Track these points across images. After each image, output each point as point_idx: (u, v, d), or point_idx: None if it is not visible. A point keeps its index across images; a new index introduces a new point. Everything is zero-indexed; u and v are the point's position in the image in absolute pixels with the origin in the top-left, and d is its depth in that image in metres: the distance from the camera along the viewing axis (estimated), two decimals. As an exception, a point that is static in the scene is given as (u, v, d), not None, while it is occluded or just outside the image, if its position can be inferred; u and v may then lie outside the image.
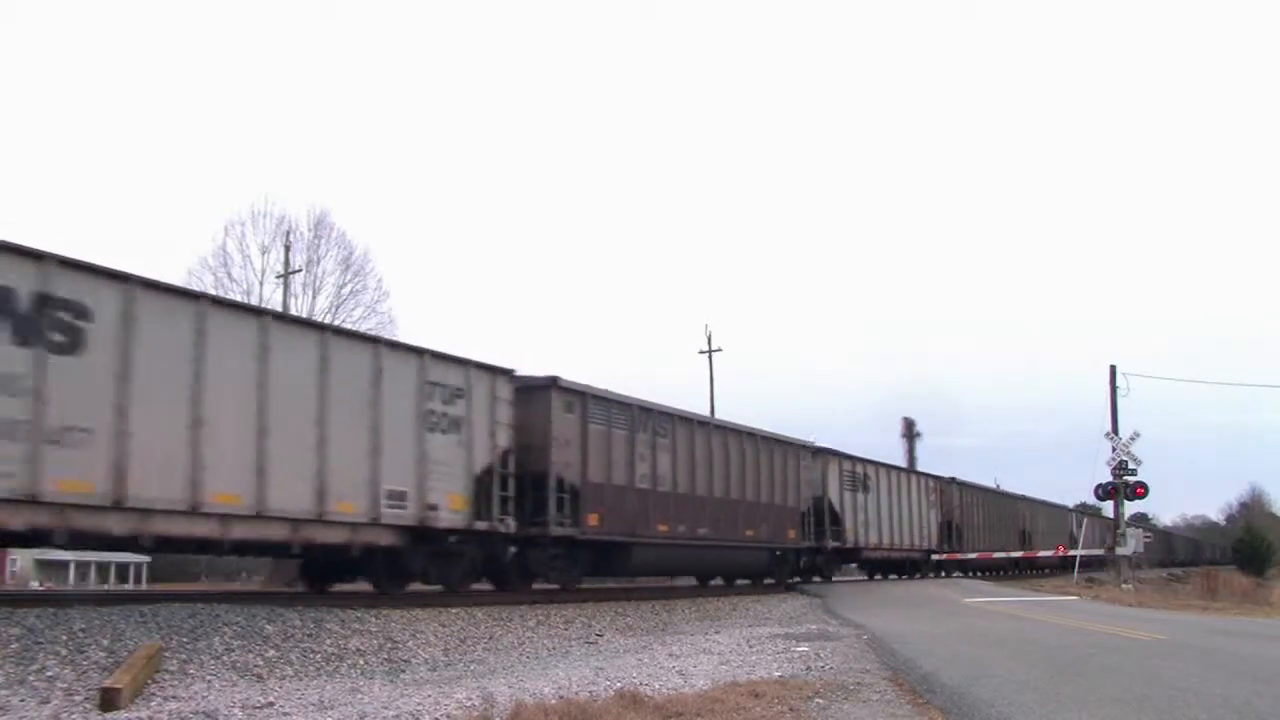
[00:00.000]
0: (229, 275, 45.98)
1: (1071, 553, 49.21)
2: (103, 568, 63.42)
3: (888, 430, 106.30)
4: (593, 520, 23.86)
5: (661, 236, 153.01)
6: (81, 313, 14.27)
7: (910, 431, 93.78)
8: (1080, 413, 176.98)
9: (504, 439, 21.63)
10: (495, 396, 21.53)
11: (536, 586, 23.84)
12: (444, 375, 20.26)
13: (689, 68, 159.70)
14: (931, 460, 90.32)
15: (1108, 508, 48.92)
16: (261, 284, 46.35)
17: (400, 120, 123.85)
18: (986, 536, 52.07)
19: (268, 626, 14.48)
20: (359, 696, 11.34)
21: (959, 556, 47.83)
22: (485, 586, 23.22)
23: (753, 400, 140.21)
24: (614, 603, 23.86)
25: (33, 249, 13.89)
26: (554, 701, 9.86)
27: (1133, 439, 41.77)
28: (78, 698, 10.65)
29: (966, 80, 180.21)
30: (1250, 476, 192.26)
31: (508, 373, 22.08)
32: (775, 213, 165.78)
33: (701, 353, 60.53)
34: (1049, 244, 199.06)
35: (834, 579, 39.18)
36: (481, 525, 20.73)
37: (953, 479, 50.40)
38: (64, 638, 12.09)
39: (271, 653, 13.65)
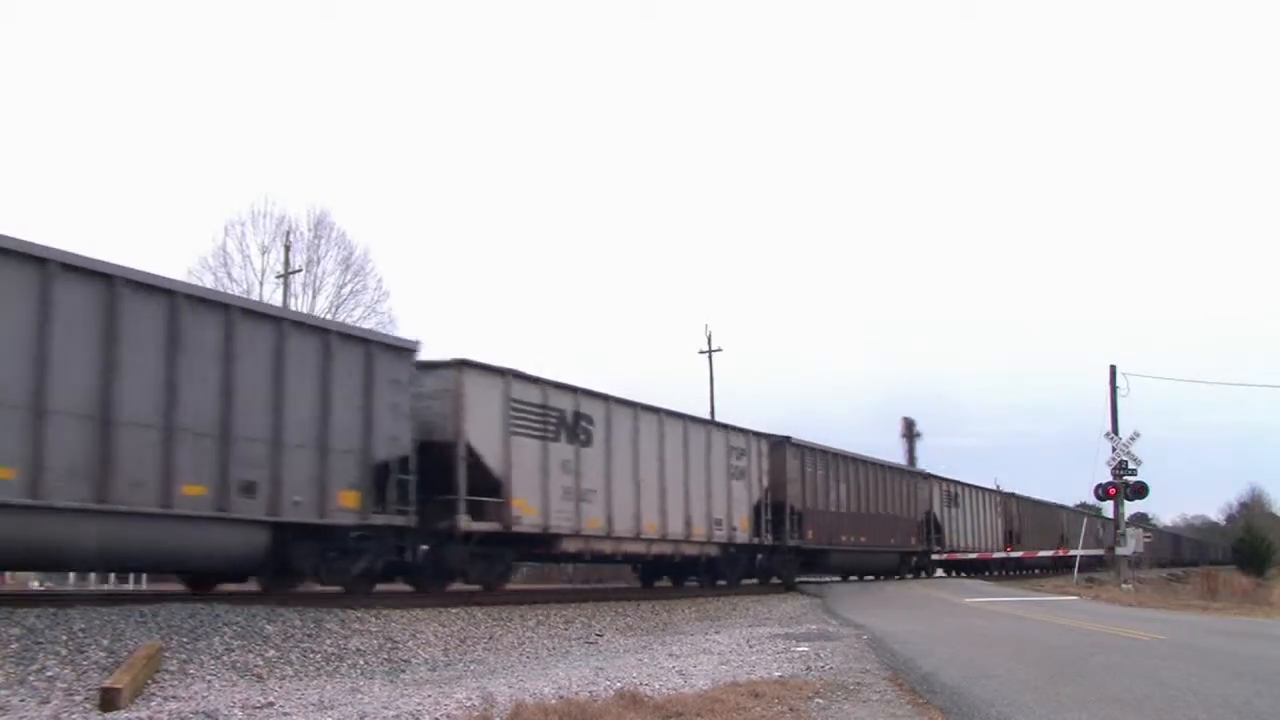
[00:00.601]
0: (229, 275, 45.93)
1: (1073, 553, 49.20)
2: (103, 568, 63.30)
3: (887, 430, 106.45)
4: (810, 534, 34.09)
5: (662, 236, 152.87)
6: (590, 421, 23.79)
7: (910, 431, 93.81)
8: (1080, 413, 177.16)
9: (764, 481, 31.58)
10: (760, 453, 31.67)
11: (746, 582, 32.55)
12: (736, 441, 30.54)
13: (689, 68, 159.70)
14: (931, 460, 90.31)
15: (1108, 508, 48.97)
16: (261, 284, 46.32)
17: (401, 120, 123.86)
18: (1036, 539, 58.60)
19: (268, 626, 14.48)
20: (359, 696, 11.35)
21: (1018, 555, 54.54)
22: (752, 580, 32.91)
23: (752, 400, 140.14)
24: (614, 603, 23.87)
25: (573, 385, 23.67)
26: (554, 701, 9.86)
27: (1133, 439, 41.78)
28: (78, 698, 10.65)
29: (968, 80, 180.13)
30: (1250, 476, 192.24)
31: (762, 436, 32.15)
32: (775, 212, 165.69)
33: (701, 353, 60.59)
34: (1049, 244, 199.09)
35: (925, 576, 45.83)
36: (761, 540, 31.30)
37: (1012, 494, 58.75)
38: (64, 638, 12.08)
39: (271, 653, 13.65)
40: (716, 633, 19.69)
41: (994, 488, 57.14)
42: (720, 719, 9.16)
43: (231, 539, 16.05)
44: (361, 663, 14.42)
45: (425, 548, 20.54)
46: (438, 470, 19.94)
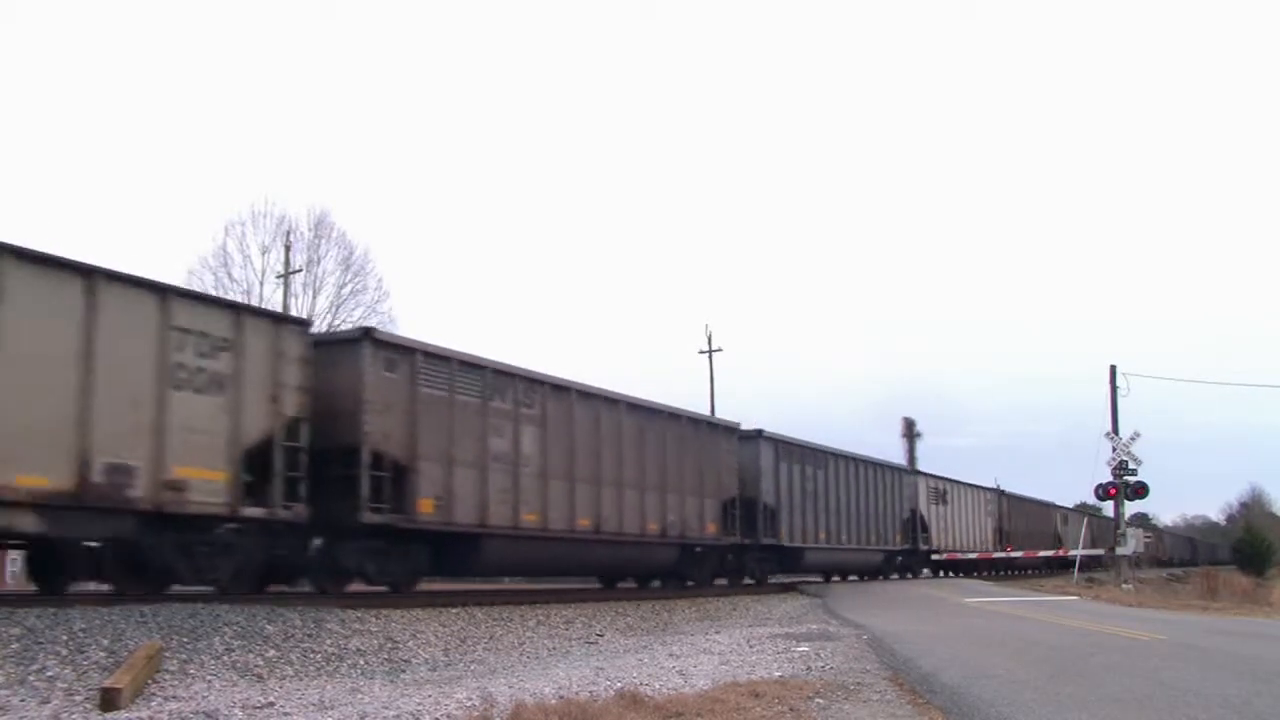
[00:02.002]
0: (229, 275, 46.01)
1: (1072, 553, 49.17)
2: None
3: (888, 430, 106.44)
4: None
5: (662, 237, 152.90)
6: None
7: (911, 431, 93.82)
8: (1079, 413, 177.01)
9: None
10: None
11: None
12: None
13: (689, 68, 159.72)
14: (931, 460, 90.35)
15: (1109, 507, 48.92)
16: (262, 284, 46.38)
17: (401, 120, 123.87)
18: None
19: (268, 626, 14.47)
20: (359, 696, 11.35)
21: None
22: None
23: (753, 400, 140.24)
24: (614, 602, 23.84)
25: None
26: (554, 701, 9.86)
27: (1133, 439, 41.77)
28: (78, 698, 10.65)
29: (968, 80, 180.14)
30: (1250, 476, 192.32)
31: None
32: (776, 212, 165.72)
33: (702, 352, 60.65)
34: (1049, 244, 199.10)
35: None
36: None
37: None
38: (64, 638, 12.09)
39: (272, 653, 13.65)
40: (717, 633, 19.69)
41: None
42: (721, 719, 9.16)
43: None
44: (362, 663, 14.42)
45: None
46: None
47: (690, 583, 29.41)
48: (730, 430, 31.15)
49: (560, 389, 23.76)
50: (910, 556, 44.86)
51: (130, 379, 15.01)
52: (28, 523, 13.94)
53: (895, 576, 43.53)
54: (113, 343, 14.74)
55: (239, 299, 41.39)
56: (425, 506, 19.51)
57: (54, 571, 16.15)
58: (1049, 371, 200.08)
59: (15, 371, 13.68)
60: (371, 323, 45.10)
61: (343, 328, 41.50)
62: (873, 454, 42.39)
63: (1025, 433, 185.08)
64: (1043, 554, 54.06)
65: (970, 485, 52.58)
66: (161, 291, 15.77)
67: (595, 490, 24.48)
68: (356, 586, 20.25)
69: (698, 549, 29.25)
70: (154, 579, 16.22)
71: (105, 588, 16.88)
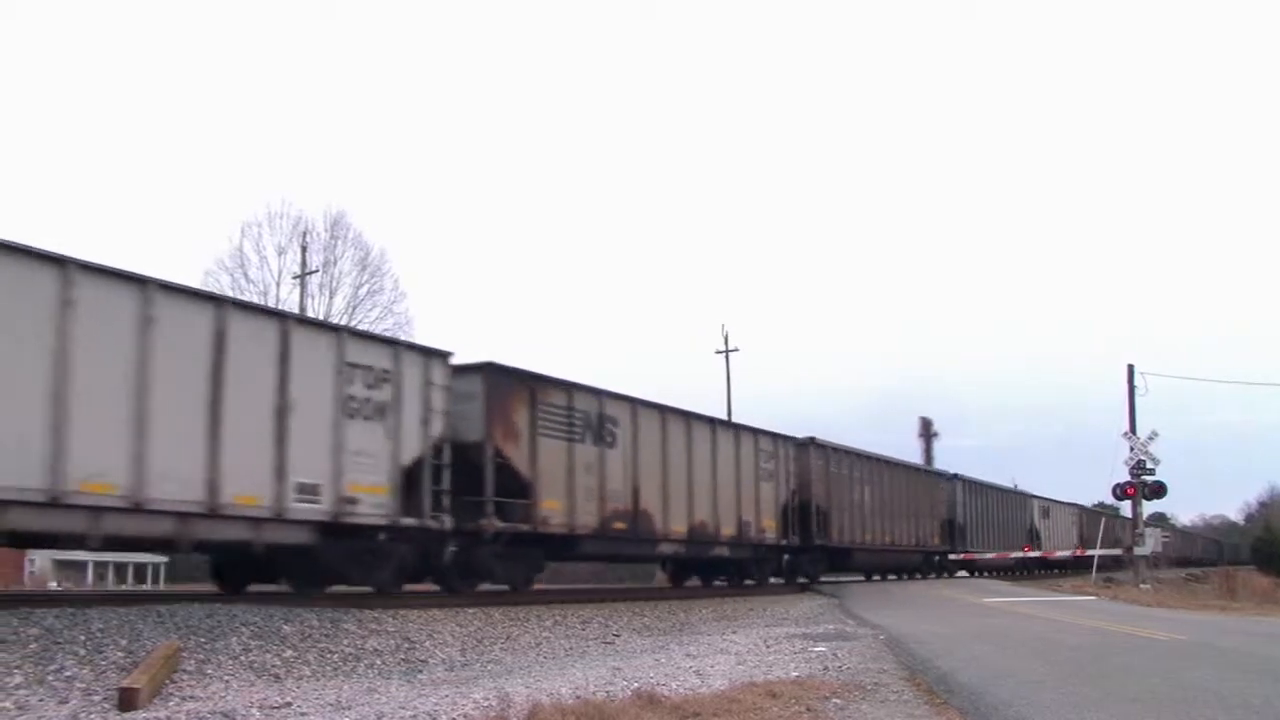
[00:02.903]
0: (245, 276, 46.18)
1: (1089, 552, 49.02)
2: (120, 568, 63.67)
3: (904, 430, 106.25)
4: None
5: (677, 238, 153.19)
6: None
7: (927, 431, 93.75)
8: (1091, 412, 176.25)
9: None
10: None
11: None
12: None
13: (706, 73, 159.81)
14: (947, 460, 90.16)
15: (1127, 507, 48.78)
16: (278, 285, 46.52)
17: (418, 122, 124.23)
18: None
19: (285, 627, 14.50)
20: (376, 697, 11.37)
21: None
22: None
23: (768, 399, 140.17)
24: (631, 603, 23.84)
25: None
26: (571, 701, 9.85)
27: (1151, 438, 41.64)
28: (96, 697, 10.68)
29: (982, 81, 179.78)
30: (1269, 476, 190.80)
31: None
32: (789, 213, 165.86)
33: (719, 353, 60.67)
34: (1064, 243, 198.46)
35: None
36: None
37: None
38: (82, 638, 12.12)
39: (289, 653, 13.67)
40: (734, 633, 19.67)
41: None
42: (738, 719, 9.14)
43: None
44: (379, 663, 14.43)
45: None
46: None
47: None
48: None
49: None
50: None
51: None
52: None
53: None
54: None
55: (256, 299, 41.61)
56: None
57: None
58: (1061, 371, 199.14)
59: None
60: (388, 324, 45.40)
61: (375, 330, 41.53)
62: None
63: (1033, 432, 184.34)
64: (1060, 554, 54.02)
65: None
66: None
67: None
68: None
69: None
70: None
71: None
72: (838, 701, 10.05)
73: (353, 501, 17.59)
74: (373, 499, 17.94)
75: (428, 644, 15.98)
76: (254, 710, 10.33)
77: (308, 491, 16.76)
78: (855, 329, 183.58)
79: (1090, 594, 35.44)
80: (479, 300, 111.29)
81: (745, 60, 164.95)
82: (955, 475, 49.17)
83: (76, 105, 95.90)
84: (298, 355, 16.78)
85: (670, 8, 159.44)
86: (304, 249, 47.02)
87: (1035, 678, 11.72)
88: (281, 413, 16.43)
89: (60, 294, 13.58)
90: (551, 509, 22.05)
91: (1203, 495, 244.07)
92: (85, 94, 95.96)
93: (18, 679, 10.76)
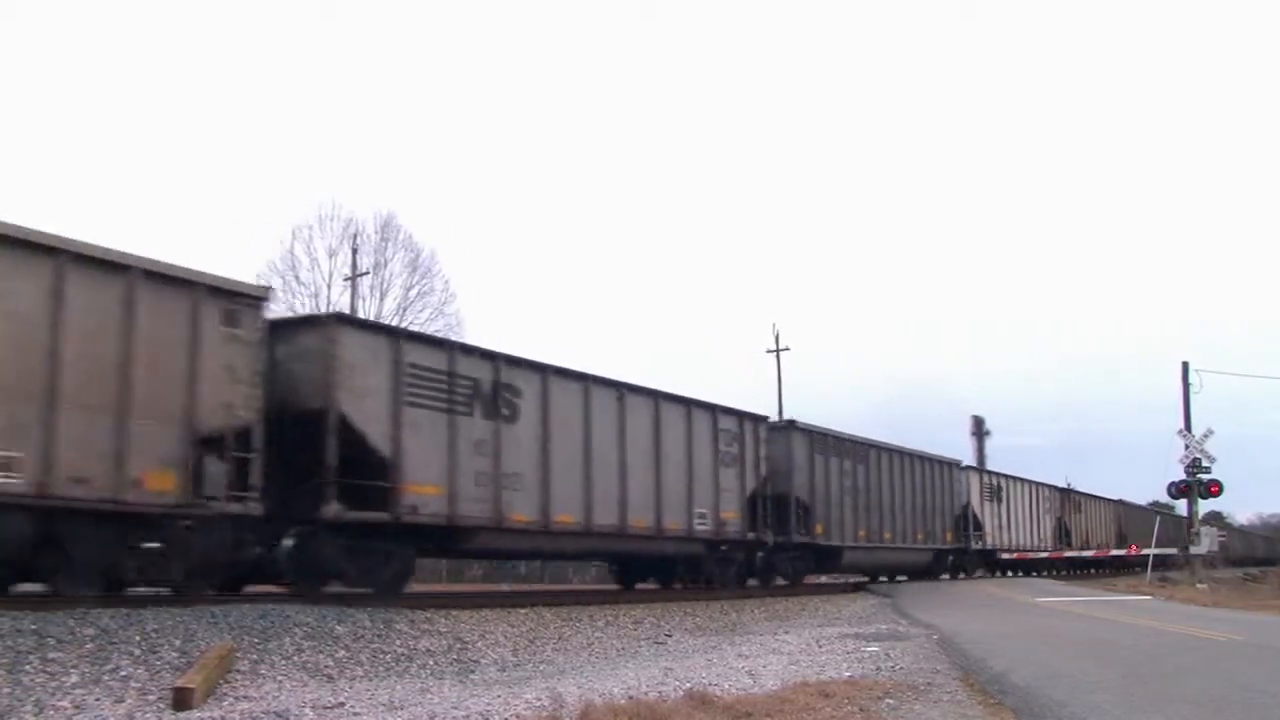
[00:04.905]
0: (296, 279, 46.37)
1: (1145, 551, 48.48)
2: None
3: (958, 428, 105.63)
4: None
5: (728, 236, 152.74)
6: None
7: (980, 430, 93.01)
8: (1157, 412, 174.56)
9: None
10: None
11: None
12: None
13: (753, 73, 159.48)
14: (1000, 460, 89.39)
15: (1183, 506, 48.24)
16: (329, 287, 46.71)
17: (469, 123, 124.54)
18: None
19: (338, 627, 14.58)
20: (429, 697, 11.40)
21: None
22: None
23: (818, 399, 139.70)
24: (682, 603, 23.80)
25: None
26: (623, 702, 9.85)
27: (1206, 436, 41.23)
28: (151, 697, 10.77)
29: (990, 81, 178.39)
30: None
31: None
32: (844, 210, 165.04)
33: (769, 351, 60.40)
34: (1112, 239, 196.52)
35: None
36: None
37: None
38: (137, 638, 12.24)
39: (342, 653, 13.75)
40: (785, 633, 19.62)
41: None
42: (790, 719, 9.10)
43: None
44: (431, 663, 14.50)
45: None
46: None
47: (945, 576, 32.17)
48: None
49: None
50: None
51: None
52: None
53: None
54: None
55: (306, 303, 41.88)
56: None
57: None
58: (1124, 367, 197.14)
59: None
60: (438, 324, 45.50)
61: (411, 328, 41.70)
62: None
63: (1095, 431, 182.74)
64: (1114, 553, 53.20)
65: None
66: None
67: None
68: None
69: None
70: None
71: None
72: (891, 702, 10.00)
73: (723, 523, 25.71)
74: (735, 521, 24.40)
75: (480, 644, 16.03)
76: (307, 710, 10.37)
77: (699, 519, 24.86)
78: (915, 328, 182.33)
79: (1145, 594, 35.06)
80: (530, 300, 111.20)
81: (796, 59, 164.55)
82: (970, 465, 46.38)
83: (129, 109, 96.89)
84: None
85: (722, 17, 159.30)
86: (354, 251, 47.22)
87: (1090, 678, 11.61)
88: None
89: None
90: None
91: (1260, 494, 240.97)
92: (139, 100, 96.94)
93: (74, 678, 10.89)
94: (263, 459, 15.88)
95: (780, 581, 31.18)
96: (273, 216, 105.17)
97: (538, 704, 9.97)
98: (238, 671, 12.11)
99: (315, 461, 16.89)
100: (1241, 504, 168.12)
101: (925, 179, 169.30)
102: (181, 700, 10.41)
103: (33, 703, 10.13)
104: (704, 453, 26.23)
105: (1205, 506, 45.40)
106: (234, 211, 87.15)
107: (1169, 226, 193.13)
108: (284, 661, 12.88)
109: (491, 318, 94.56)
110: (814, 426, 32.30)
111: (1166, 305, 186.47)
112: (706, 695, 10.10)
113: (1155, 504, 72.83)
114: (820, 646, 16.04)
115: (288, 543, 17.42)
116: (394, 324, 19.50)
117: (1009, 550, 45.93)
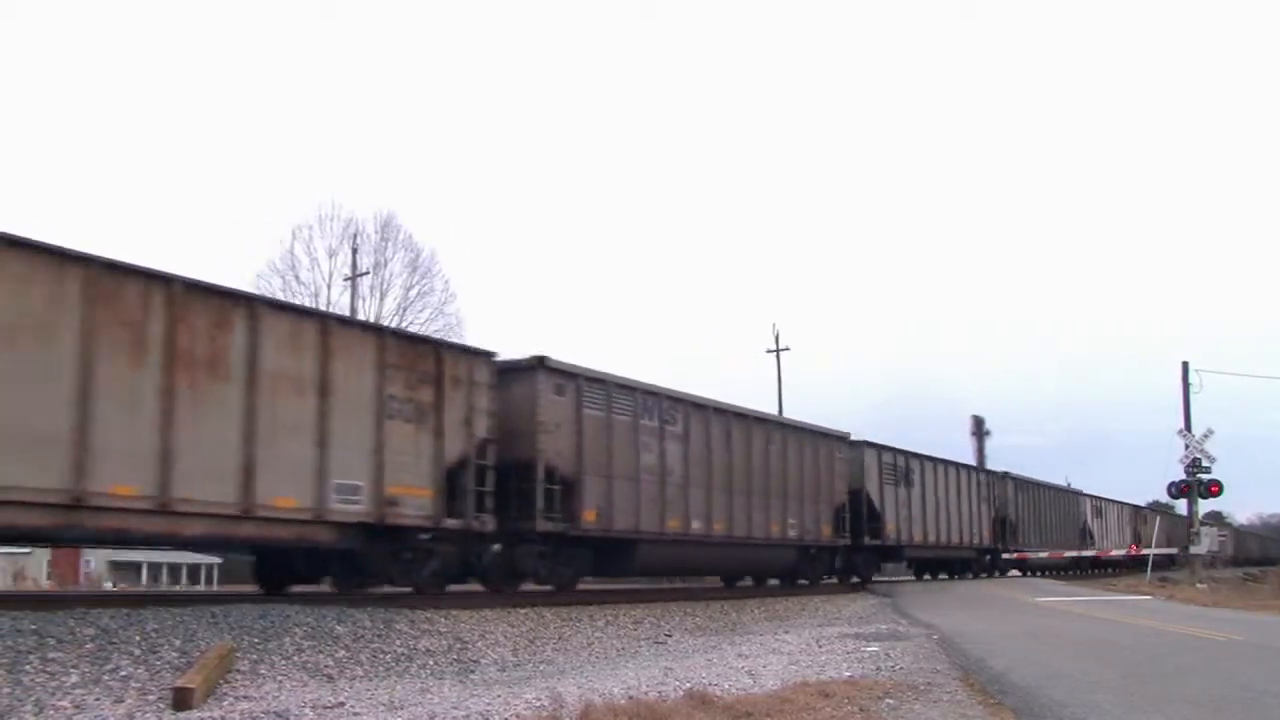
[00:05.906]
0: (296, 278, 46.49)
1: (1145, 551, 48.49)
2: (174, 569, 64.21)
3: (958, 428, 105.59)
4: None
5: (727, 237, 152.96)
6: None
7: (979, 430, 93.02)
8: (1153, 412, 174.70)
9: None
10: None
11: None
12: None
13: (752, 75, 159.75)
14: (1003, 460, 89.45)
15: (1182, 506, 48.26)
16: (329, 287, 46.76)
17: (468, 123, 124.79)
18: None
19: (338, 627, 14.57)
20: (429, 697, 11.39)
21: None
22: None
23: (819, 398, 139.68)
24: (683, 603, 23.80)
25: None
26: (623, 702, 9.84)
27: (1206, 436, 41.24)
28: (151, 697, 10.76)
29: (996, 80, 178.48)
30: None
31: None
32: (845, 210, 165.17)
33: (769, 351, 60.41)
34: (1114, 240, 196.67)
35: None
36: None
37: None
38: (137, 638, 12.22)
39: (342, 653, 13.74)
40: (785, 633, 19.61)
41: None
42: (790, 719, 9.10)
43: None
44: (431, 663, 14.49)
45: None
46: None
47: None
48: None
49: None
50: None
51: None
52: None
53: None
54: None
55: (307, 303, 41.88)
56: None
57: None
58: (1120, 369, 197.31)
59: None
60: (438, 325, 45.49)
61: (413, 329, 41.78)
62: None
63: (1096, 431, 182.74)
64: (1121, 553, 53.14)
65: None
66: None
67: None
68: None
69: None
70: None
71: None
72: (891, 702, 9.99)
73: None
74: None
75: (480, 644, 16.02)
76: (307, 710, 10.36)
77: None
78: (904, 326, 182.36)
79: (1145, 593, 35.04)
80: (530, 300, 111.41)
81: (801, 60, 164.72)
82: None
83: (129, 110, 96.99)
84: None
85: (728, 17, 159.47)
86: (354, 251, 47.31)
87: (1090, 678, 11.61)
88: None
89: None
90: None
91: (1260, 494, 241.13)
92: (140, 100, 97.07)
93: (74, 678, 10.87)
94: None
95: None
96: (272, 216, 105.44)
97: (538, 704, 9.96)
98: (238, 671, 12.10)
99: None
100: (1241, 504, 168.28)
101: (925, 179, 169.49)
102: (181, 700, 10.40)
103: (33, 702, 10.11)
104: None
105: (1205, 506, 45.44)
106: (234, 211, 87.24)
107: (1169, 227, 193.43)
108: (284, 661, 12.87)
109: (492, 318, 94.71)
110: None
111: (1166, 305, 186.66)
112: (706, 695, 10.09)
113: (1155, 504, 72.91)
114: (820, 646, 16.03)
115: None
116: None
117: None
